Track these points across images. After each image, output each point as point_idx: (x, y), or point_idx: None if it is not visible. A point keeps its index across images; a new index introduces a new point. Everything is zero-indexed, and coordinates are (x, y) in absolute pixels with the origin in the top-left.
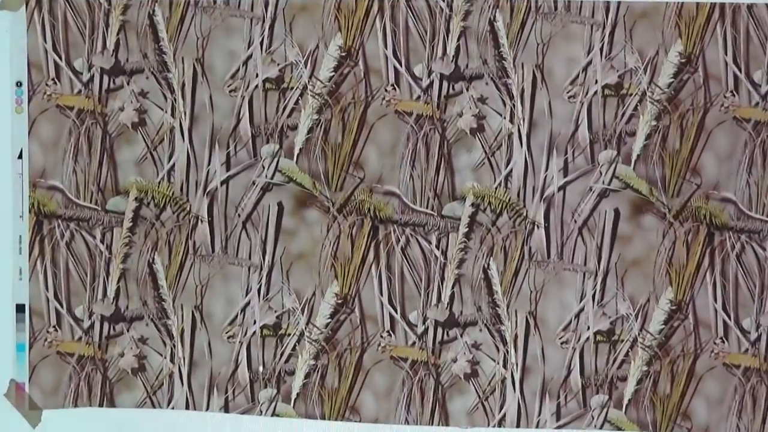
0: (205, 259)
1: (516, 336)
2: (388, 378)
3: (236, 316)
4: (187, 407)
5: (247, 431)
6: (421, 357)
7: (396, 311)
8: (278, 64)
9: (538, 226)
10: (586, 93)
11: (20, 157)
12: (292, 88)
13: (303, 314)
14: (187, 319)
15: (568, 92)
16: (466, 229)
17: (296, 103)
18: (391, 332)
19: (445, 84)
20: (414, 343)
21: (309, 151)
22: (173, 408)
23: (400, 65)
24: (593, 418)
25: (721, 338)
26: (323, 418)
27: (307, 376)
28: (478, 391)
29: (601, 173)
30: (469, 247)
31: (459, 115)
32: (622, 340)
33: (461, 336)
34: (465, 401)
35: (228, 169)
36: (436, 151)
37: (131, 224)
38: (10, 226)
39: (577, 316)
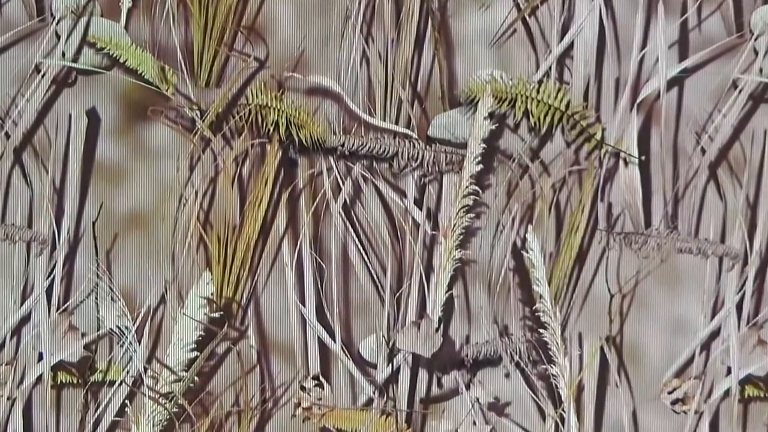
0: None
1: (580, 385)
2: None
3: (2, 343)
4: None
5: None
6: (385, 430)
7: (332, 336)
8: None
9: (627, 162)
10: None
11: None
12: None
13: (140, 341)
14: None
15: None
16: (479, 167)
17: None
18: (321, 379)
19: None
20: (370, 401)
21: (152, 4)
22: None
23: None
24: None
25: None
26: None
27: None
28: None
29: (756, 52)
30: (483, 202)
31: None
32: None
33: (467, 387)
34: None
35: None
36: (416, 5)
37: None
38: None
39: (706, 346)
